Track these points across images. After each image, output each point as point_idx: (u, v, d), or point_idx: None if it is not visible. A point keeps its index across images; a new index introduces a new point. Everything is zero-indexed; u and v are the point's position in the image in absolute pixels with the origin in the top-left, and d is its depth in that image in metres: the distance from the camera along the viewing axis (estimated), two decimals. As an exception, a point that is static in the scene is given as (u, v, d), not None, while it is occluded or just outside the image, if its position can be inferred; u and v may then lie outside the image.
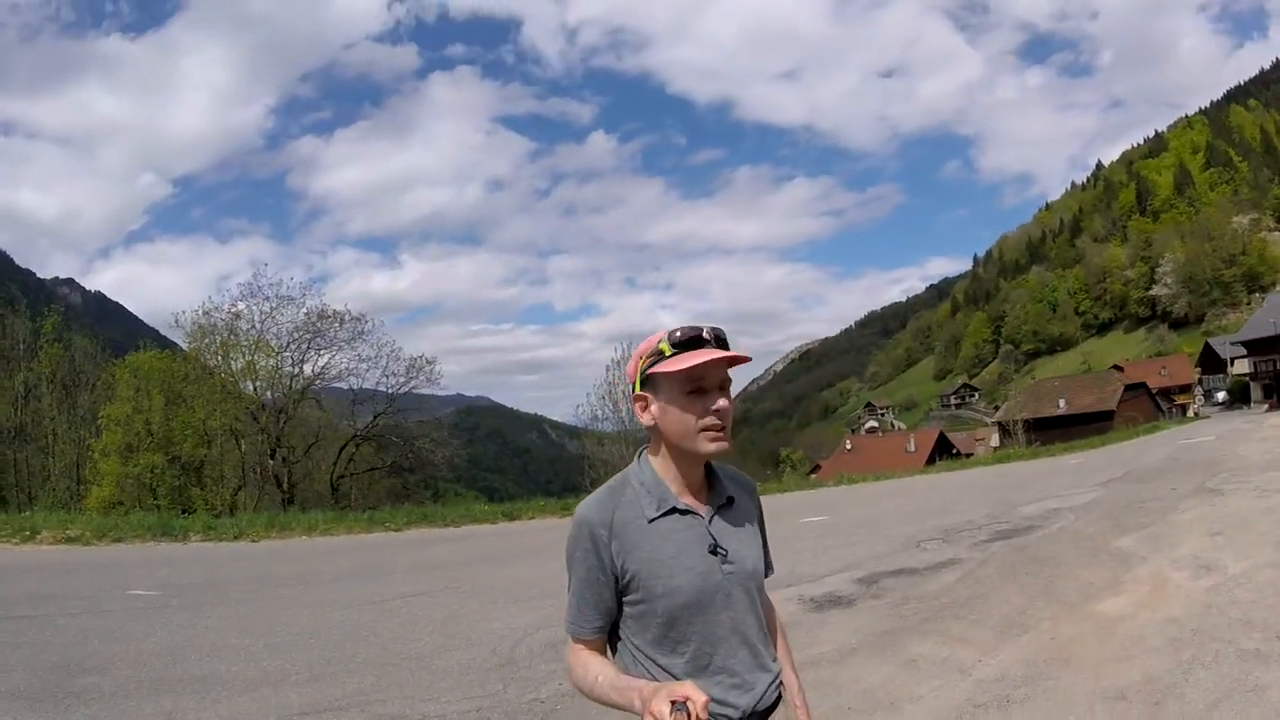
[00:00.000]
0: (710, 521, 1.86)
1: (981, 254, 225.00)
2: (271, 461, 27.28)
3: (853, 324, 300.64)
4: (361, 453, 29.84)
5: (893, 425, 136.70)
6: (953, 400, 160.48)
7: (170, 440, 24.52)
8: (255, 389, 27.59)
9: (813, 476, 33.04)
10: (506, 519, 16.45)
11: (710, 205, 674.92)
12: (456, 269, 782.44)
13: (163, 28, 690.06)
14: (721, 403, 1.80)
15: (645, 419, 1.87)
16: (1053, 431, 55.93)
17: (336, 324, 27.93)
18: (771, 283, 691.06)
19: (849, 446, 73.45)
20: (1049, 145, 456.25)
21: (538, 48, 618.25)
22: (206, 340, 26.99)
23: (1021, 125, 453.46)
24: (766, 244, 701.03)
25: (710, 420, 1.79)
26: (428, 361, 29.72)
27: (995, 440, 69.11)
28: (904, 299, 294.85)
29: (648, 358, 1.83)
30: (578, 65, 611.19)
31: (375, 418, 29.50)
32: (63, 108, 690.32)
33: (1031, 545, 9.83)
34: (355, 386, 29.25)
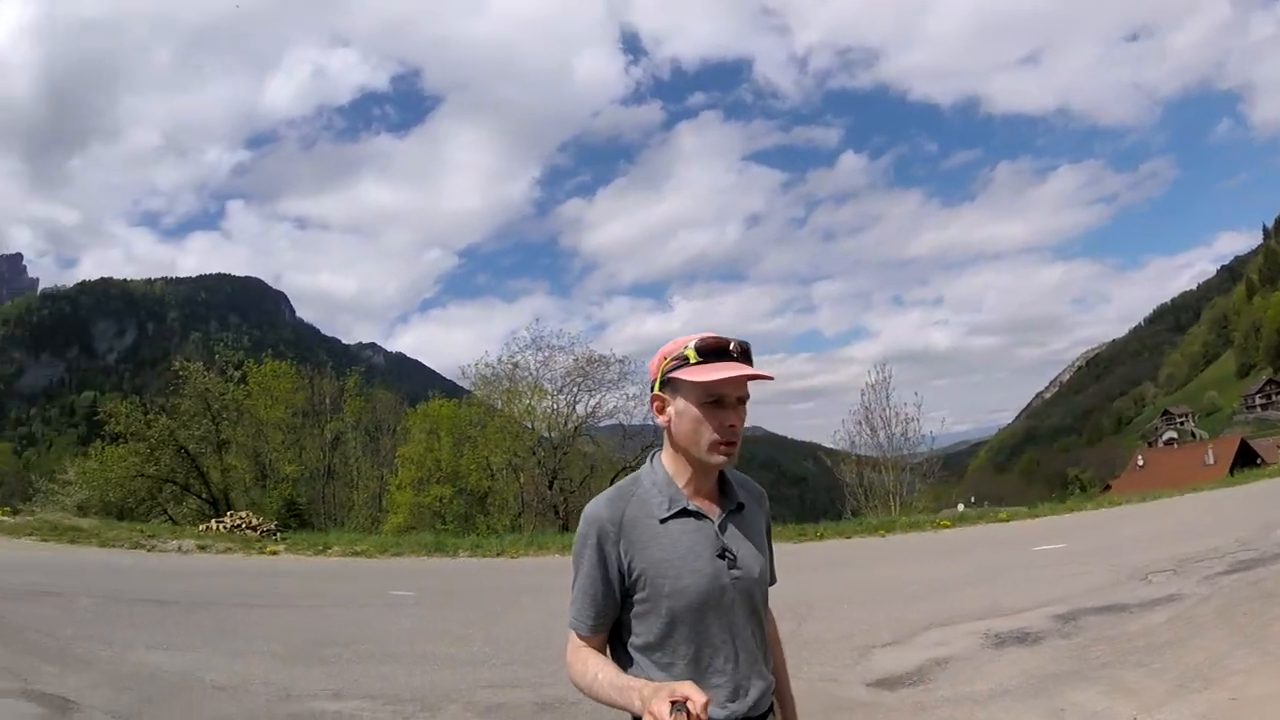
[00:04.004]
0: (720, 525, 1.86)
1: (1271, 222, 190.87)
2: (549, 491, 29.60)
3: (1141, 321, 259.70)
4: (634, 481, 31.58)
5: (1193, 434, 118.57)
6: (1258, 400, 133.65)
7: (457, 474, 27.83)
8: (533, 428, 30.23)
9: (1118, 494, 30.14)
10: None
11: (972, 209, 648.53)
12: (724, 305, 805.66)
13: (424, 123, 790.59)
14: (735, 419, 1.82)
15: (660, 419, 1.89)
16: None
17: (604, 367, 30.11)
18: (1048, 284, 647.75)
19: (1141, 462, 65.41)
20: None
21: (772, 82, 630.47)
22: (489, 388, 30.27)
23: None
24: (1037, 243, 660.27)
25: (724, 434, 1.81)
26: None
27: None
28: (1194, 286, 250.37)
29: (672, 360, 1.84)
30: (814, 91, 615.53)
31: (644, 449, 31.15)
32: (347, 202, 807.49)
33: (1269, 579, 8.69)
34: (625, 423, 31.16)
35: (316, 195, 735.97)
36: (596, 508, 1.85)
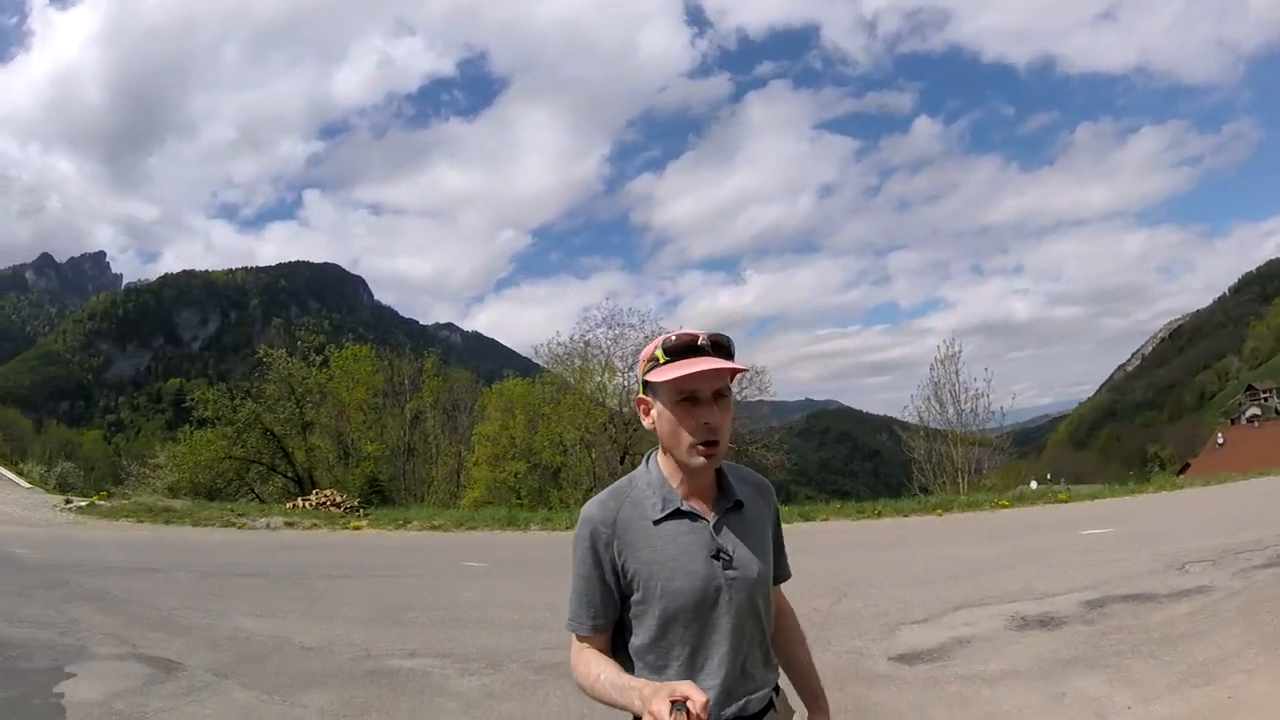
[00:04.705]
0: (715, 525, 1.84)
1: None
2: (620, 466, 30.35)
3: (1226, 291, 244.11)
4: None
5: (1277, 412, 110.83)
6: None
7: (531, 450, 28.94)
8: (605, 405, 31.00)
9: (1181, 477, 29.28)
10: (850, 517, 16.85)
11: (1052, 174, 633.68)
12: (797, 278, 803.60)
13: (493, 106, 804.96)
14: (712, 416, 1.77)
15: (646, 423, 1.86)
16: None
17: (673, 343, 30.68)
18: (1131, 252, 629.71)
19: (1221, 441, 62.48)
20: None
21: (841, 48, 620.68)
22: (562, 366, 31.34)
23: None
24: (1121, 208, 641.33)
25: (699, 434, 1.77)
26: (756, 372, 31.37)
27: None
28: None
29: (646, 362, 1.81)
30: (885, 56, 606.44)
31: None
32: (420, 186, 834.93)
33: (1303, 577, 8.58)
34: (694, 398, 31.70)
35: (390, 181, 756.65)
36: (591, 509, 1.85)
